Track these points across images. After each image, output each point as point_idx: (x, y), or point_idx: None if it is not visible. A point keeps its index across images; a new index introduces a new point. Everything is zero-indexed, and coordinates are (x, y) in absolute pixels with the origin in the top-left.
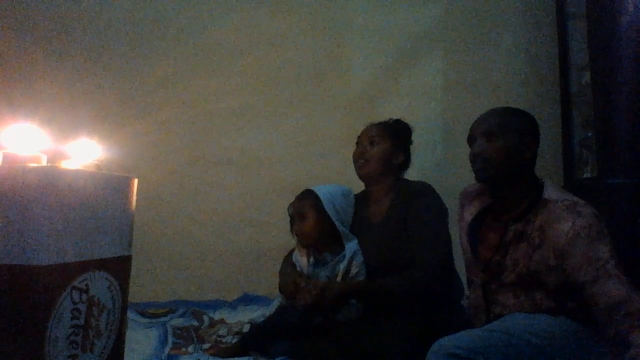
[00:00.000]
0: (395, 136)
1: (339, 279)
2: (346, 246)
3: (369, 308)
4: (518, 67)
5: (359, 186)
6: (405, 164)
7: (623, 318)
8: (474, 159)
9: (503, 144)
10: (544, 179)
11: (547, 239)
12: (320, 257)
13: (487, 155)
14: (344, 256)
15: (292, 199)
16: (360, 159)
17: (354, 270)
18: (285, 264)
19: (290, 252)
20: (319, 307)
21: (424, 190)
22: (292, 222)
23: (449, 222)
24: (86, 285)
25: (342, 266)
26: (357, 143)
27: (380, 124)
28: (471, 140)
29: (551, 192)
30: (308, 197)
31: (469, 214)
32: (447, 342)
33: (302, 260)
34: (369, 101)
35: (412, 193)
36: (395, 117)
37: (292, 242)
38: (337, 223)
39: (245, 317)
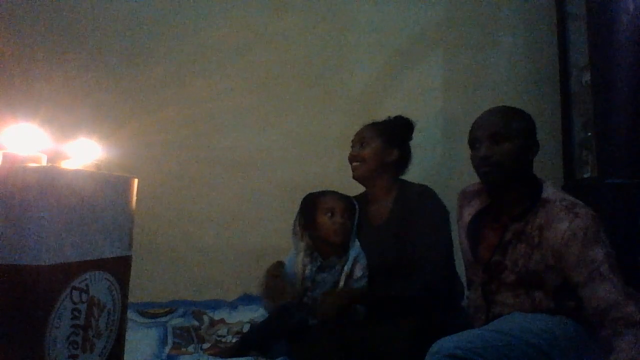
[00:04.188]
0: (386, 134)
1: (342, 281)
2: (350, 248)
3: (369, 309)
4: (518, 67)
5: (358, 187)
6: (402, 161)
7: (610, 322)
8: (480, 162)
9: (511, 147)
10: (543, 178)
11: (545, 238)
12: (326, 262)
13: (495, 158)
14: (348, 258)
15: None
16: (353, 162)
17: (357, 273)
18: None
19: (278, 265)
20: (324, 316)
21: (426, 193)
22: (307, 219)
23: (450, 222)
24: (86, 285)
25: (345, 268)
26: (351, 146)
27: (371, 124)
28: (474, 142)
29: (550, 192)
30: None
31: (468, 214)
32: (446, 343)
33: (297, 265)
34: (369, 101)
35: (414, 196)
36: (394, 115)
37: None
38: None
39: (245, 317)
